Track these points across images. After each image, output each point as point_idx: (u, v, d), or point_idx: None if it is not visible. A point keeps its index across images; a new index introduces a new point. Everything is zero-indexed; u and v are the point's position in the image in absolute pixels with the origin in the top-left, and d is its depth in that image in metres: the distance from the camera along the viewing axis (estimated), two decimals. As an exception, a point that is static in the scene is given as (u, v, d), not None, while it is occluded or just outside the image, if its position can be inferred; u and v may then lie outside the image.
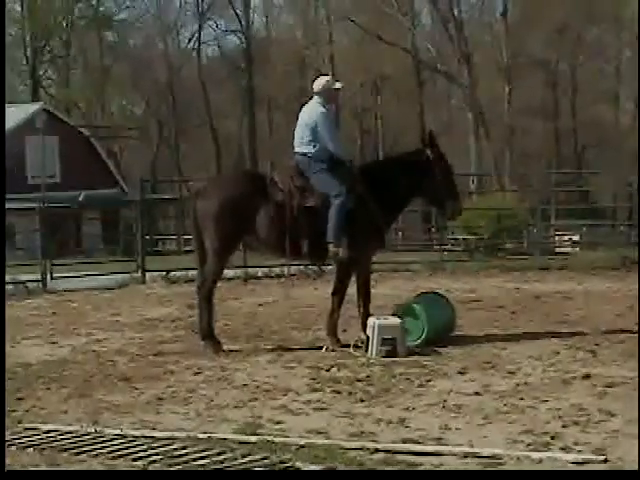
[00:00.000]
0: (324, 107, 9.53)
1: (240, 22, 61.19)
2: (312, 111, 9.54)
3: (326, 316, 9.60)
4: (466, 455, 5.54)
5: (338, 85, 9.94)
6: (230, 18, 62.22)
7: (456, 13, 48.05)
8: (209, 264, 9.48)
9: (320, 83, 9.67)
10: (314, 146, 9.41)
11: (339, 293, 9.56)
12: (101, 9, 60.21)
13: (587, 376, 7.61)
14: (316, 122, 9.40)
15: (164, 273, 16.94)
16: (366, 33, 50.10)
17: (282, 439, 5.97)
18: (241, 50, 61.81)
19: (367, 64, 49.87)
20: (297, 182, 9.35)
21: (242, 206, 9.27)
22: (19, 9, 57.22)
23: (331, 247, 9.25)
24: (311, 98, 9.73)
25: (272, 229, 9.28)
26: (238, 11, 60.88)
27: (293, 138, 9.69)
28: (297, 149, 9.56)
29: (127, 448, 5.92)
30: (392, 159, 11.00)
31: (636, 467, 5.23)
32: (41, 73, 58.45)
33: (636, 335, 9.17)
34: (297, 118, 9.76)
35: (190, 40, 63.06)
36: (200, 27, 61.71)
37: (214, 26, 65.06)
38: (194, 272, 16.62)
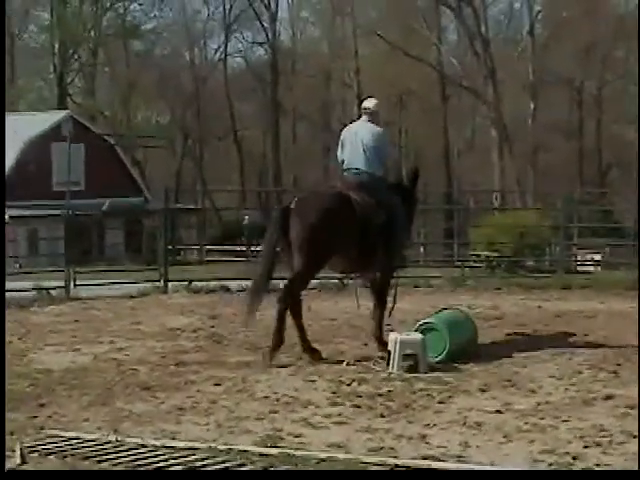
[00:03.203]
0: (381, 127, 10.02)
1: (267, 34, 61.46)
2: (373, 131, 9.84)
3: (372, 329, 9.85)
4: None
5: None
6: (257, 30, 62.59)
7: (482, 29, 48.04)
8: (299, 278, 9.45)
9: (373, 104, 10.05)
10: (378, 166, 9.78)
11: (384, 305, 9.87)
12: (128, 19, 60.65)
13: (609, 397, 7.57)
14: (380, 144, 9.82)
15: (186, 283, 16.98)
16: (392, 47, 50.15)
17: (302, 452, 5.97)
18: (267, 62, 62.01)
19: (392, 78, 49.87)
20: (370, 200, 9.57)
21: (338, 223, 9.36)
22: (48, 17, 57.72)
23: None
24: (358, 117, 10.17)
25: (354, 245, 9.48)
26: (265, 23, 61.17)
27: (341, 154, 9.99)
28: (362, 168, 9.75)
29: (147, 457, 5.93)
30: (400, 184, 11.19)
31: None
32: (68, 81, 58.78)
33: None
34: (339, 136, 10.18)
35: (216, 51, 63.44)
36: (227, 38, 62.04)
37: (240, 38, 65.45)
38: (216, 283, 16.85)
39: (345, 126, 10.53)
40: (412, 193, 10.51)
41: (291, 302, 9.42)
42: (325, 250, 9.37)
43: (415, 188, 10.60)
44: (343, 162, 9.99)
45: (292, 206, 9.43)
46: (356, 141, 9.78)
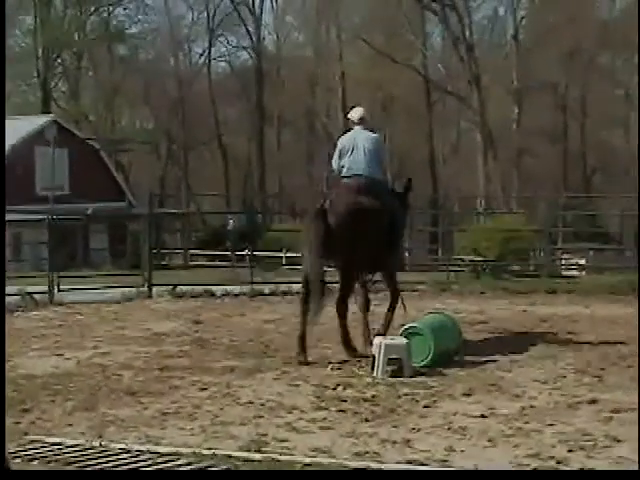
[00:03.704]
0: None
1: (251, 39, 61.48)
2: (370, 137, 10.16)
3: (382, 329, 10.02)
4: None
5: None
6: (241, 35, 62.63)
7: (467, 35, 48.18)
8: (346, 279, 9.68)
9: (362, 111, 10.43)
10: (378, 170, 10.07)
11: (395, 307, 10.29)
12: (113, 23, 60.59)
13: (593, 401, 7.58)
14: (379, 149, 10.20)
15: (171, 287, 16.96)
16: (377, 53, 50.25)
17: (287, 457, 5.96)
18: (252, 67, 62.01)
19: (377, 83, 49.99)
20: (376, 203, 9.67)
21: (368, 224, 9.53)
22: (31, 21, 57.59)
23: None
24: (349, 129, 10.42)
25: (369, 247, 9.62)
26: (249, 28, 61.16)
27: (340, 161, 10.12)
28: (364, 173, 9.92)
29: (131, 463, 5.91)
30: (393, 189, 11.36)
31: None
32: (52, 85, 58.62)
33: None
34: (334, 144, 10.58)
35: (201, 56, 63.44)
36: (211, 43, 62.01)
37: (225, 42, 65.45)
38: (200, 287, 16.84)
39: (339, 135, 10.91)
40: (404, 198, 10.76)
41: (345, 308, 9.69)
42: (363, 245, 9.52)
43: (407, 195, 10.88)
44: (342, 168, 10.12)
45: (326, 207, 9.51)
46: (357, 147, 10.00)
